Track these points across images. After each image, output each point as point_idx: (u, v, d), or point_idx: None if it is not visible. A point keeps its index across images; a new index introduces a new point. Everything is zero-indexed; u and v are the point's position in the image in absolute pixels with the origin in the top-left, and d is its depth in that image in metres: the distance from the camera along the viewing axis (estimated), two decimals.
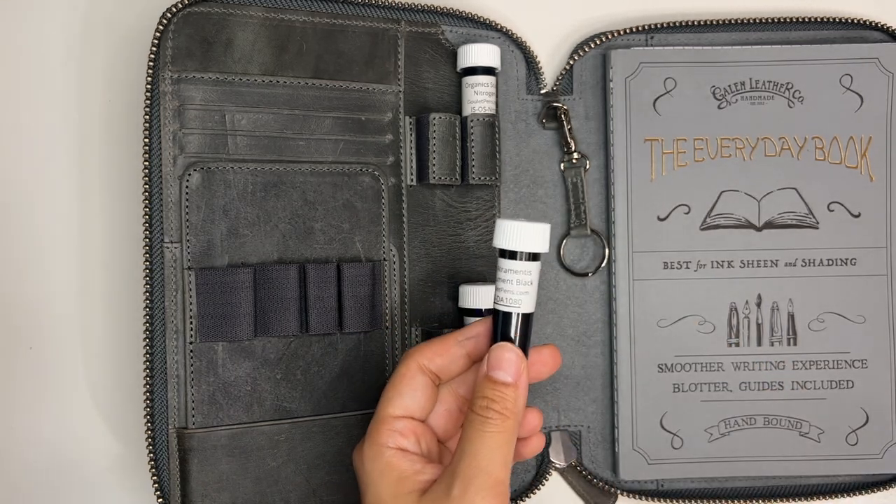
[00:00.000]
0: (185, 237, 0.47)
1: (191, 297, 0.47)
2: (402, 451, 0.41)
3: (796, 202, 0.53)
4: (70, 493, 0.52)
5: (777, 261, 0.53)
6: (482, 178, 0.52)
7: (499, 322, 0.41)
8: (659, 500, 0.53)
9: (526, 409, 0.42)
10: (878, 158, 0.53)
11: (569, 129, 0.54)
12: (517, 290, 0.40)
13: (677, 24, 0.54)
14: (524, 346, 0.41)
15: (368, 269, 0.50)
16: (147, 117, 0.47)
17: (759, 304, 0.53)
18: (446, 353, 0.42)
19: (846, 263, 0.53)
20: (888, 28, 0.54)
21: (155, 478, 0.47)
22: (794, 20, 0.54)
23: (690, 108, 0.53)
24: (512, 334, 0.40)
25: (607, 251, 0.54)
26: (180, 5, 0.47)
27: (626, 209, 0.53)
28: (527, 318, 0.40)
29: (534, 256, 0.40)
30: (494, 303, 0.41)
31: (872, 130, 0.53)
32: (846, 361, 0.53)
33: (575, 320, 0.54)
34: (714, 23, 0.54)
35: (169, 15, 0.47)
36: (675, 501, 0.53)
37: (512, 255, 0.40)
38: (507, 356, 0.40)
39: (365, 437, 0.42)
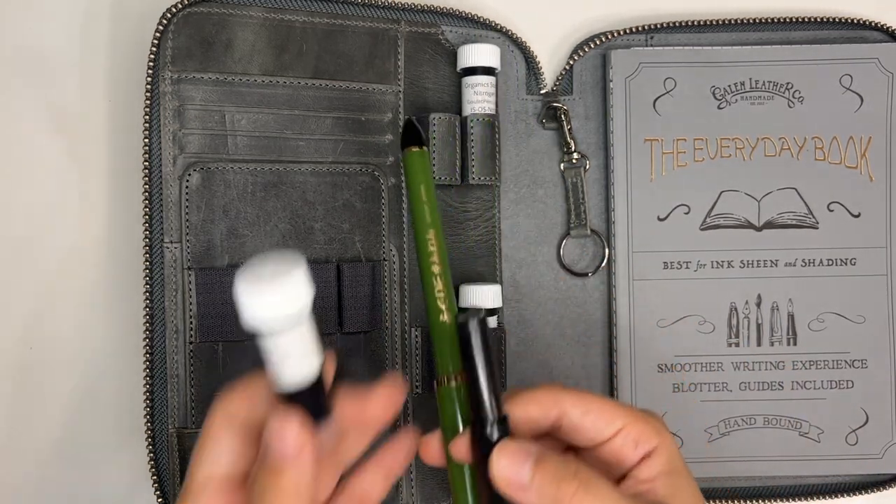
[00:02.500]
0: (185, 237, 0.47)
1: (191, 296, 0.47)
2: None
3: (796, 202, 0.53)
4: (70, 493, 0.52)
5: (777, 261, 0.53)
6: (482, 178, 0.52)
7: (284, 399, 0.33)
8: None
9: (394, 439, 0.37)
10: (878, 158, 0.53)
11: (569, 129, 0.54)
12: (271, 367, 0.32)
13: (677, 24, 0.54)
14: (315, 412, 0.33)
15: (368, 269, 0.50)
16: (147, 117, 0.47)
17: (758, 304, 0.53)
18: (252, 400, 0.35)
19: (846, 263, 0.53)
20: (888, 28, 0.54)
21: (155, 477, 0.47)
22: (794, 20, 0.54)
23: (690, 109, 0.53)
24: (294, 406, 0.33)
25: (607, 251, 0.54)
26: (180, 5, 0.47)
27: (626, 209, 0.53)
28: (302, 391, 0.33)
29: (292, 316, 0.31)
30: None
31: (872, 130, 0.53)
32: (846, 361, 0.53)
33: (575, 320, 0.54)
34: (714, 23, 0.54)
35: (169, 15, 0.47)
36: None
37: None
38: (280, 428, 0.32)
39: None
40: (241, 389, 0.36)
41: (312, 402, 0.33)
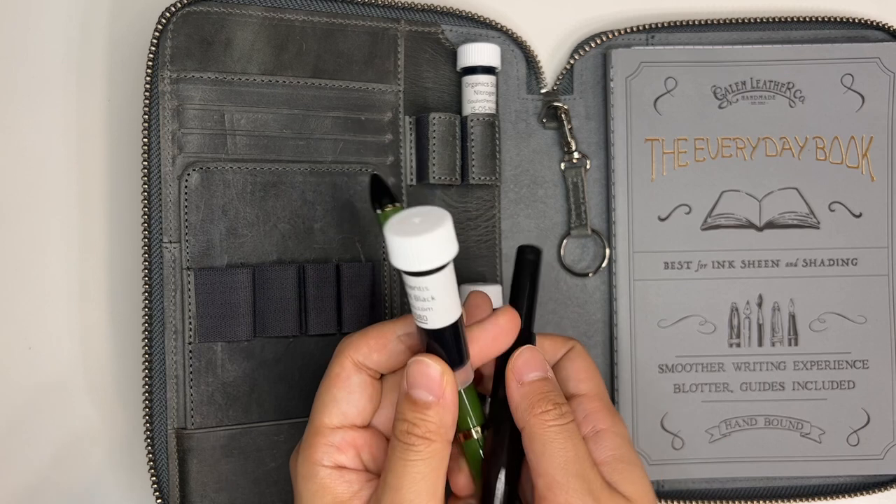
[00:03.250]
0: (184, 237, 0.47)
1: (190, 297, 0.46)
2: (340, 469, 0.36)
3: (797, 202, 0.53)
4: (69, 493, 0.51)
5: (778, 261, 0.53)
6: (482, 177, 0.52)
7: (427, 337, 0.36)
8: (659, 501, 0.53)
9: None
10: (880, 158, 0.53)
11: (569, 129, 0.54)
12: (418, 307, 0.35)
13: (678, 23, 0.54)
14: (452, 354, 0.36)
15: (368, 270, 0.49)
16: (146, 117, 0.47)
17: (760, 305, 0.53)
18: (384, 348, 0.37)
19: (847, 264, 0.53)
20: (889, 28, 0.54)
21: (154, 478, 0.47)
22: (795, 20, 0.54)
23: (691, 108, 0.53)
24: (432, 348, 0.36)
25: (608, 251, 0.54)
26: (179, 5, 0.47)
27: (627, 209, 0.53)
28: (443, 330, 0.35)
29: (428, 271, 0.33)
30: (414, 317, 0.36)
31: (874, 130, 0.53)
32: (847, 362, 0.53)
33: (575, 321, 0.54)
34: (715, 22, 0.54)
35: (168, 14, 0.46)
36: (675, 502, 0.53)
37: (411, 273, 0.34)
38: (425, 371, 0.35)
39: (298, 449, 0.38)
40: (368, 336, 0.37)
41: (454, 345, 0.35)
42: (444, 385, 0.35)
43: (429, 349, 0.36)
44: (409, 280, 0.34)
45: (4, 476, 0.51)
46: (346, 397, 0.37)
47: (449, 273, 0.34)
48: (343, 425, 0.37)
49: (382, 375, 0.39)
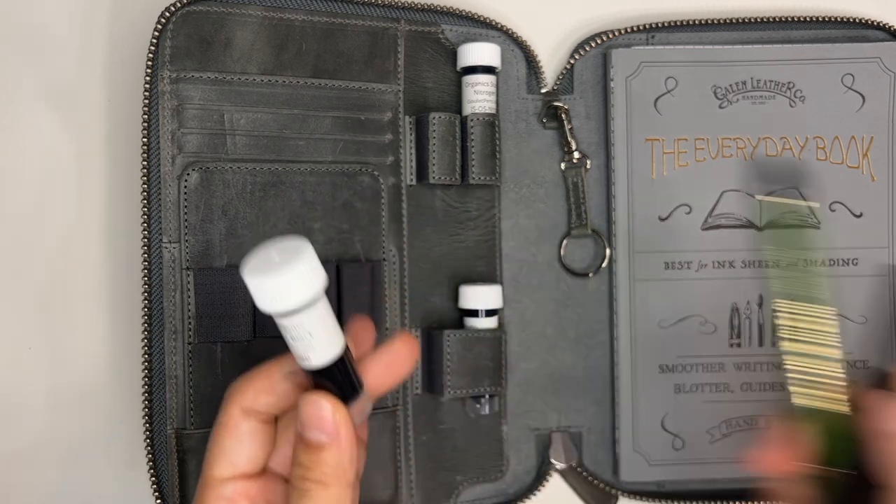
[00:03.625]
0: (183, 237, 0.47)
1: (189, 297, 0.46)
2: None
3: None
4: (70, 493, 0.51)
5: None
6: (482, 177, 0.51)
7: (314, 377, 0.34)
8: (660, 502, 0.53)
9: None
10: (880, 158, 0.53)
11: (569, 129, 0.54)
12: (298, 348, 0.33)
13: (678, 23, 0.54)
14: (344, 388, 0.34)
15: (368, 270, 0.49)
16: (146, 117, 0.47)
17: (760, 305, 0.53)
18: (272, 389, 0.35)
19: (848, 264, 0.53)
20: (890, 28, 0.54)
21: (153, 478, 0.47)
22: (796, 19, 0.54)
23: (691, 108, 0.53)
24: (323, 386, 0.34)
25: (608, 251, 0.54)
26: (179, 4, 0.46)
27: (627, 209, 0.53)
28: (329, 367, 0.33)
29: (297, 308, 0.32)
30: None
31: (874, 130, 0.53)
32: (848, 362, 0.53)
33: (575, 321, 0.54)
34: (715, 22, 0.54)
35: (167, 14, 0.46)
36: (676, 503, 0.53)
37: (273, 314, 0.32)
38: (315, 412, 0.33)
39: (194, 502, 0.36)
40: (253, 379, 0.35)
41: (343, 378, 0.34)
42: (338, 423, 0.33)
43: (317, 387, 0.34)
44: (282, 321, 0.32)
45: (4, 475, 0.51)
46: (235, 447, 0.35)
47: (323, 305, 0.32)
48: (234, 476, 0.35)
49: (277, 417, 0.37)
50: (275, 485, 0.36)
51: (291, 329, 0.32)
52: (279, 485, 0.36)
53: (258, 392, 0.35)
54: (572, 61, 0.54)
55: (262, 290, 0.31)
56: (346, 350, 0.34)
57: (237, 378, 0.36)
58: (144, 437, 0.47)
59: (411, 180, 0.51)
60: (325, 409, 0.33)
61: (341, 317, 0.49)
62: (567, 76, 0.54)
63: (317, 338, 0.33)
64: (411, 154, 0.51)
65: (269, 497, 0.35)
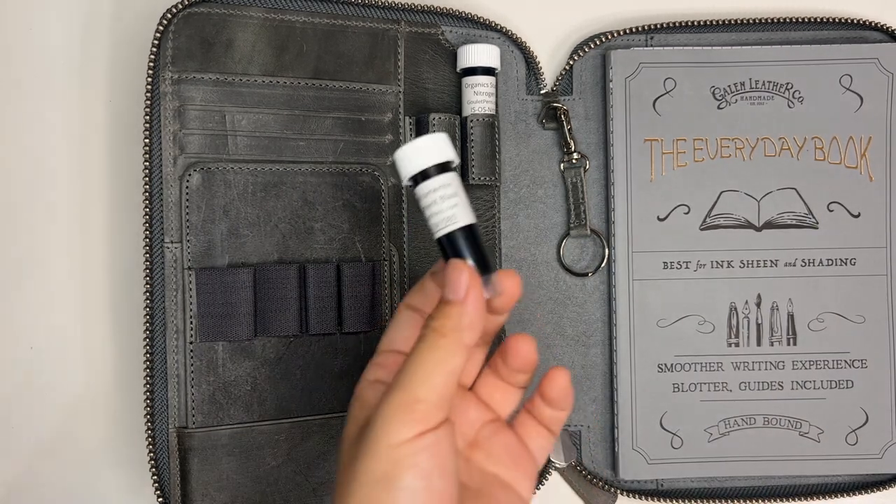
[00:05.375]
0: (185, 237, 0.47)
1: (191, 296, 0.47)
2: (376, 382, 0.39)
3: (796, 202, 0.53)
4: (71, 492, 0.52)
5: (777, 261, 0.53)
6: (482, 178, 0.52)
7: (446, 248, 0.38)
8: (658, 500, 0.54)
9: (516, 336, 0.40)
10: (878, 158, 0.53)
11: (569, 130, 0.54)
12: (445, 206, 0.37)
13: (677, 24, 0.54)
14: (478, 259, 0.38)
15: (368, 270, 0.50)
16: (147, 118, 0.47)
17: (758, 304, 0.53)
18: (421, 289, 0.41)
19: (846, 263, 0.53)
20: (888, 28, 0.54)
21: (155, 477, 0.47)
22: (794, 20, 0.54)
23: (690, 109, 0.53)
24: (462, 252, 0.37)
25: (607, 251, 0.54)
26: (180, 6, 0.47)
27: (626, 209, 0.53)
28: (470, 230, 0.37)
29: (443, 168, 0.37)
30: (434, 234, 0.38)
31: (872, 130, 0.53)
32: (846, 361, 0.53)
33: (575, 320, 0.54)
34: (714, 23, 0.54)
35: (169, 16, 0.47)
36: (674, 501, 0.53)
37: (424, 176, 0.37)
38: (452, 275, 0.37)
39: None
40: (417, 287, 0.42)
41: (476, 249, 0.37)
42: (466, 285, 0.36)
43: (455, 256, 0.38)
44: (431, 183, 0.37)
45: (5, 474, 0.51)
46: (394, 327, 0.41)
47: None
48: (388, 349, 0.40)
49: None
50: None
51: (441, 189, 0.37)
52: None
53: (414, 293, 0.41)
54: (571, 62, 0.54)
55: (420, 147, 0.37)
56: (476, 228, 0.38)
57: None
58: (146, 435, 0.47)
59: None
60: (461, 272, 0.37)
61: (341, 316, 0.49)
62: (566, 77, 0.55)
63: (461, 198, 0.37)
64: None
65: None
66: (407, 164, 0.37)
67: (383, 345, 0.41)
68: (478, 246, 0.38)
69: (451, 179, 0.37)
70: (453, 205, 0.37)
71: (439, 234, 0.37)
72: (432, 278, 0.41)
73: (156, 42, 0.47)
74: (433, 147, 0.37)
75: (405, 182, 0.38)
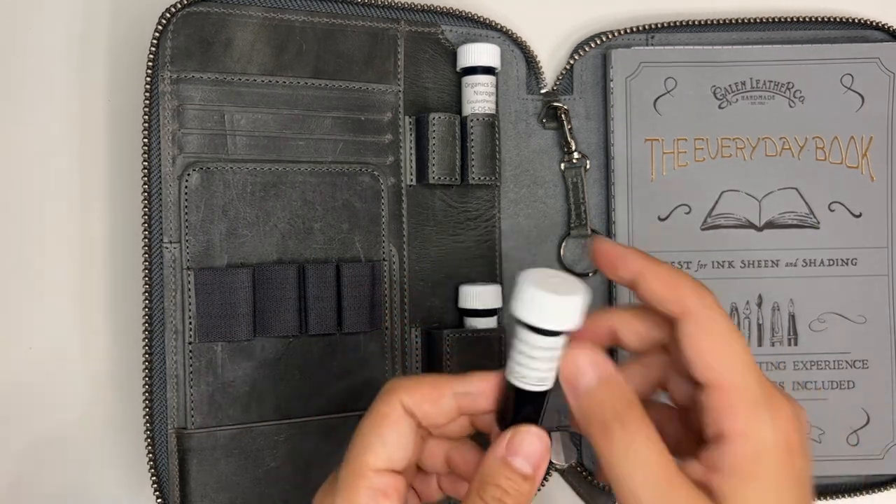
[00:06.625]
0: (184, 237, 0.47)
1: (190, 297, 0.47)
2: None
3: (797, 202, 0.53)
4: (70, 493, 0.52)
5: (778, 261, 0.53)
6: (482, 178, 0.52)
7: (521, 400, 0.34)
8: None
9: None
10: (879, 158, 0.53)
11: (569, 129, 0.54)
12: (545, 367, 0.34)
13: (678, 23, 0.54)
14: (541, 421, 0.35)
15: (368, 270, 0.50)
16: (146, 117, 0.47)
17: (759, 305, 0.53)
18: (437, 402, 0.35)
19: (847, 263, 0.53)
20: (889, 28, 0.54)
21: (154, 478, 0.47)
22: (795, 20, 0.54)
23: (691, 108, 0.53)
24: (533, 415, 0.35)
25: None
26: (179, 5, 0.47)
27: (627, 209, 0.53)
28: (546, 395, 0.35)
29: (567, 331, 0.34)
30: (512, 377, 0.34)
31: (873, 130, 0.53)
32: (847, 362, 0.53)
33: None
34: (714, 22, 0.54)
35: (168, 15, 0.47)
36: None
37: (544, 331, 0.33)
38: (532, 443, 0.33)
39: (337, 488, 0.34)
40: (422, 384, 0.35)
41: (536, 411, 0.35)
42: (544, 461, 0.34)
43: (524, 419, 0.35)
44: (542, 340, 0.33)
45: (4, 475, 0.51)
46: (397, 441, 0.34)
47: None
48: (388, 469, 0.34)
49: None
50: (416, 482, 0.37)
51: (552, 351, 0.34)
52: (418, 483, 0.37)
53: (423, 399, 0.34)
54: (572, 62, 0.54)
55: (559, 308, 0.32)
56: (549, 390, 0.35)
57: (399, 377, 0.37)
58: (145, 436, 0.47)
59: (411, 180, 0.52)
60: (540, 442, 0.34)
61: (341, 317, 0.49)
62: (567, 76, 0.55)
63: (557, 364, 0.34)
64: (411, 154, 0.52)
65: (401, 496, 0.34)
66: (538, 312, 0.33)
67: (378, 460, 0.34)
68: (543, 413, 0.35)
69: (563, 344, 0.34)
70: (551, 368, 0.34)
71: (525, 387, 0.34)
72: (455, 398, 0.35)
73: (155, 41, 0.47)
74: (576, 313, 0.33)
75: (518, 320, 0.33)
